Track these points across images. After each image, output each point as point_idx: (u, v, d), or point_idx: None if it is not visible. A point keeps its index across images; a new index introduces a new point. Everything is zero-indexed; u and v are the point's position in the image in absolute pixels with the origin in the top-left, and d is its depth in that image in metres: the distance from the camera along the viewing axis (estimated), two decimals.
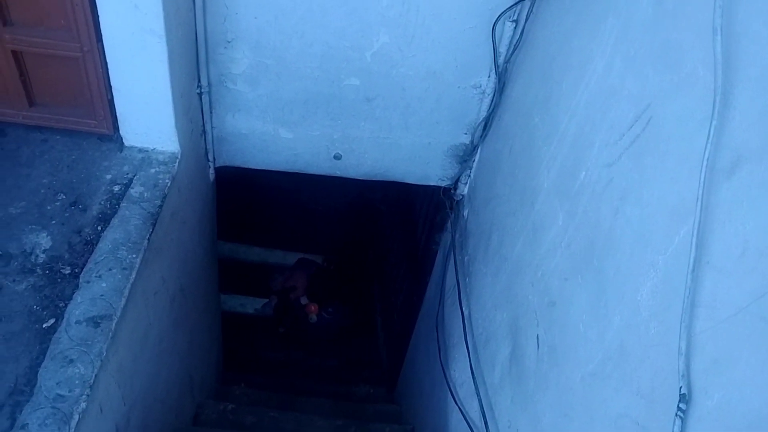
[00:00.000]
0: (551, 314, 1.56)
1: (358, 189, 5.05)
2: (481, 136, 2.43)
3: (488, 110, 2.29)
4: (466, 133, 2.49)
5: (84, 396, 1.54)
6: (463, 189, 2.66)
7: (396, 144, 2.55)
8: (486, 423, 1.84)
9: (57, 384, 1.56)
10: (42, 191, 2.08)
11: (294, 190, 5.15)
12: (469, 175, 2.62)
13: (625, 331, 1.20)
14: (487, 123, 2.35)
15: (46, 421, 1.49)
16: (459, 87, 2.29)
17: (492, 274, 2.09)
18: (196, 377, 3.00)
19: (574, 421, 1.35)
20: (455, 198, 2.72)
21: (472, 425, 2.04)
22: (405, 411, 3.62)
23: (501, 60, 2.15)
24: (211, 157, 2.57)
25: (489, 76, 2.23)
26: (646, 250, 1.18)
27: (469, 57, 2.20)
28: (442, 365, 2.48)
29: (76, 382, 1.57)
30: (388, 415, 3.56)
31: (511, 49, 2.11)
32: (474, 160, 2.56)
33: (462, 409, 2.16)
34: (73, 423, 1.49)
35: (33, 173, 2.11)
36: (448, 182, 2.71)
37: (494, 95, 2.23)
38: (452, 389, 2.30)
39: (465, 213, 2.61)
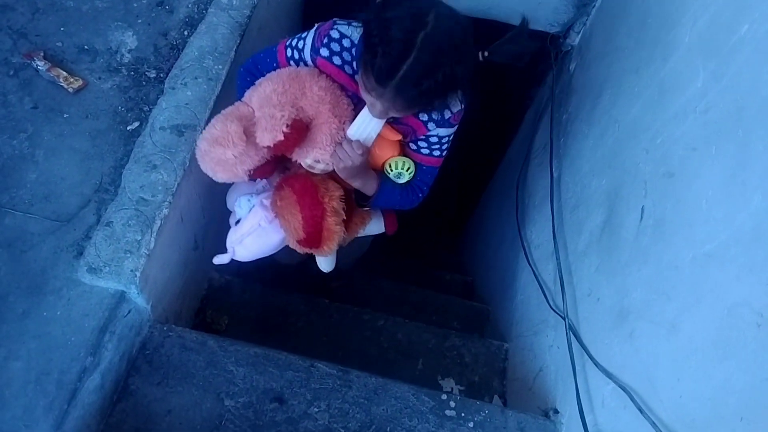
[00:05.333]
0: (666, 186, 1.40)
1: None
2: None
3: None
4: None
5: (166, 202, 1.54)
6: (575, 38, 2.37)
7: None
8: (563, 287, 1.77)
9: (140, 188, 1.55)
10: None
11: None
12: (585, 23, 2.32)
13: (765, 214, 1.04)
14: None
15: (130, 222, 1.50)
16: None
17: (595, 136, 1.90)
18: None
19: (674, 301, 1.25)
20: (563, 48, 2.44)
21: (543, 286, 1.98)
22: (466, 262, 3.64)
23: None
24: None
25: None
26: None
27: None
28: (518, 224, 2.39)
29: (159, 188, 1.56)
30: (449, 263, 3.59)
31: None
32: (594, 6, 2.25)
33: (535, 269, 2.10)
34: (155, 227, 1.50)
35: None
36: (559, 29, 2.42)
37: None
38: (526, 249, 2.23)
39: (572, 66, 2.36)
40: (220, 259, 1.61)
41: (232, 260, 1.61)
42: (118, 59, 1.84)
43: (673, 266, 1.28)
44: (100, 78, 1.80)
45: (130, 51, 1.86)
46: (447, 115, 1.42)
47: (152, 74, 1.82)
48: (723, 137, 1.22)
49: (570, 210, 1.93)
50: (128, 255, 1.45)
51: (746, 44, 1.22)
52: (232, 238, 1.60)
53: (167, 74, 1.79)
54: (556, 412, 1.70)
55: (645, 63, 1.68)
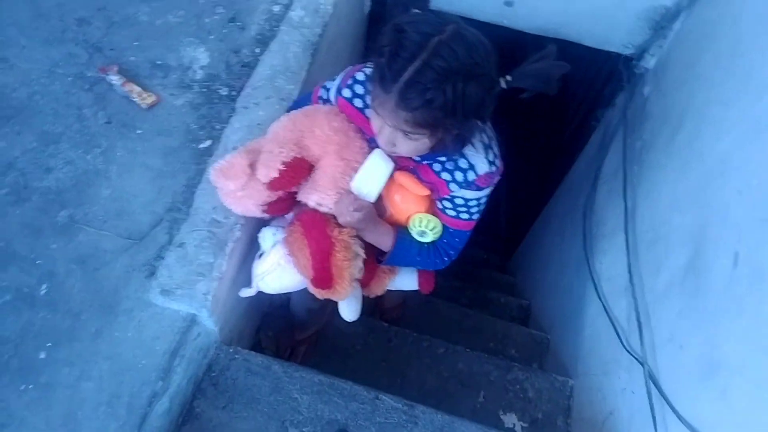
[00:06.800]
0: (765, 233, 1.31)
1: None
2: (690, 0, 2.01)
3: None
4: None
5: (239, 225, 1.52)
6: (650, 62, 2.28)
7: None
8: (640, 329, 1.68)
9: (213, 209, 1.54)
10: (201, 2, 1.97)
11: None
12: (661, 47, 2.22)
13: None
14: None
15: (203, 244, 1.48)
16: None
17: (675, 169, 1.81)
18: None
19: None
20: (636, 71, 2.35)
21: (615, 323, 1.90)
22: (519, 284, 3.55)
23: None
24: None
25: None
26: None
27: None
28: (586, 253, 2.30)
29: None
30: (502, 284, 3.51)
31: None
32: (672, 29, 2.15)
33: (605, 304, 2.01)
34: (228, 250, 1.48)
35: None
36: (633, 51, 2.33)
37: None
38: (596, 281, 2.14)
39: (646, 90, 2.26)
40: (246, 293, 1.51)
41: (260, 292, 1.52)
42: (191, 76, 1.84)
43: None
44: (172, 94, 1.80)
45: (202, 67, 1.86)
46: (471, 177, 1.29)
47: (224, 92, 1.81)
48: None
49: (647, 245, 1.84)
50: (201, 278, 1.44)
51: None
52: (255, 272, 1.50)
53: (239, 92, 1.78)
54: None
55: (735, 96, 1.59)
